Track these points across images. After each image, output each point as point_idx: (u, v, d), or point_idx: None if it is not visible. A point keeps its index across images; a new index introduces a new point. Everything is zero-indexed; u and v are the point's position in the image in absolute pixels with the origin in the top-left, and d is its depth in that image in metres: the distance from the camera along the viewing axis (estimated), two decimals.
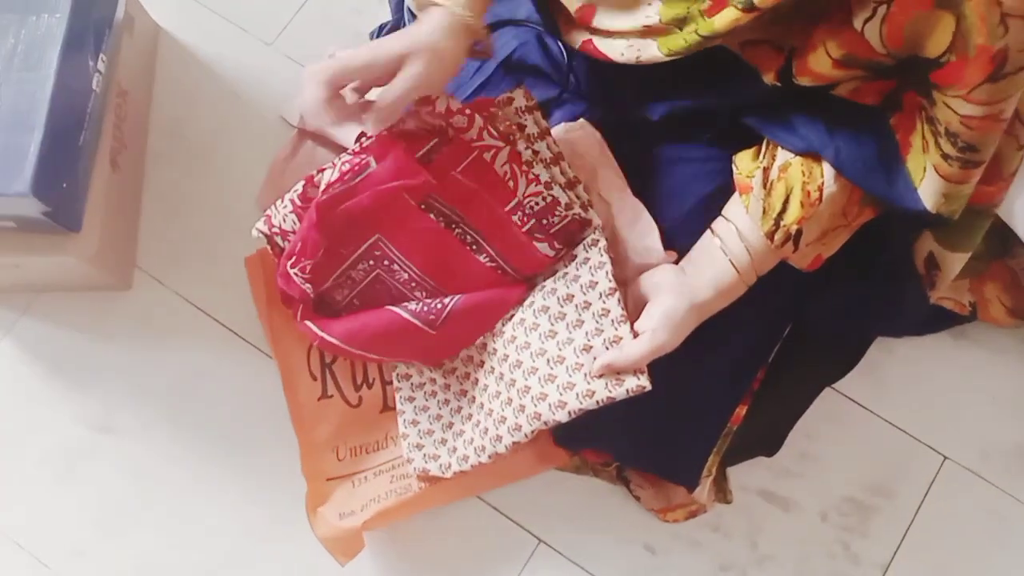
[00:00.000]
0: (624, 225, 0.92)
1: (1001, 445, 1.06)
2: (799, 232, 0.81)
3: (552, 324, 0.89)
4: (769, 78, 0.81)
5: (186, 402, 1.08)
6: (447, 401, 0.98)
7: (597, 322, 0.87)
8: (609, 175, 0.93)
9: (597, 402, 0.84)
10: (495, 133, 0.90)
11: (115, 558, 1.03)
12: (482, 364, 0.96)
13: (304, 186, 0.92)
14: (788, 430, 1.04)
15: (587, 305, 0.88)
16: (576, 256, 0.90)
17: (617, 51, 0.85)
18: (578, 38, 0.89)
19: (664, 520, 1.02)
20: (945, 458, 1.05)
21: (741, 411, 0.98)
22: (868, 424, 1.06)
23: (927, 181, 0.78)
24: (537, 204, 0.91)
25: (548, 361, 0.88)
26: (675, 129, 0.92)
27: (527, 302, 0.92)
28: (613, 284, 0.87)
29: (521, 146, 0.91)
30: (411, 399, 1.00)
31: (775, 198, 0.81)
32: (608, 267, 0.87)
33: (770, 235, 0.82)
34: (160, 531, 1.04)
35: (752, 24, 0.75)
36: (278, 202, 0.94)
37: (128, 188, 1.11)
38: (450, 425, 0.97)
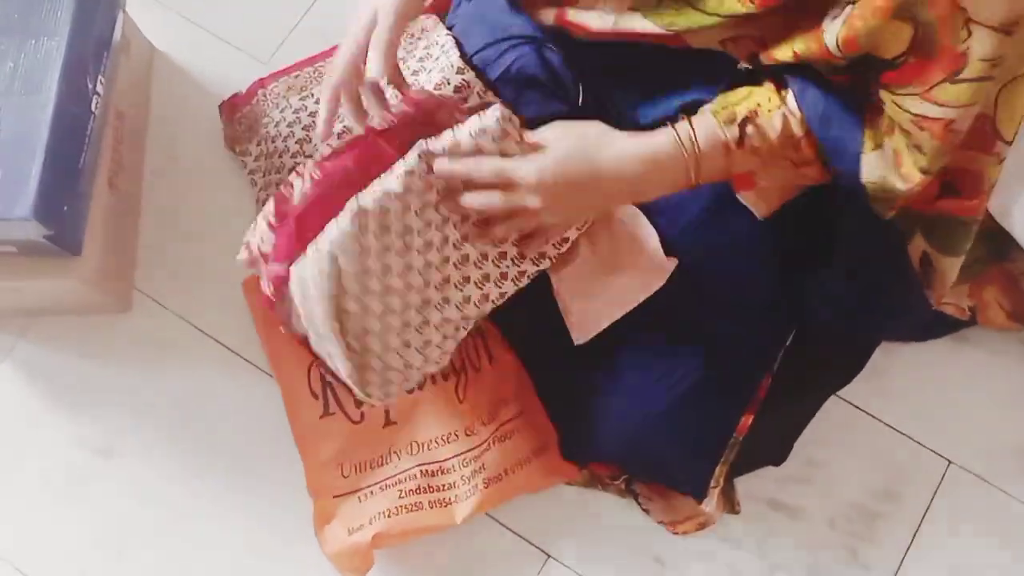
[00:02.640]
0: (624, 233, 0.92)
1: (1005, 448, 1.06)
2: (744, 121, 0.79)
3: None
4: (743, 63, 0.82)
5: (187, 423, 1.07)
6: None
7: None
8: None
9: (530, 277, 0.84)
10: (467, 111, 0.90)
11: None
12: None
13: (275, 203, 0.87)
14: (795, 439, 1.04)
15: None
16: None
17: (593, 19, 0.85)
18: (550, 15, 0.89)
19: (673, 532, 1.02)
20: (950, 462, 1.06)
21: (747, 420, 0.98)
22: (872, 430, 1.07)
23: (875, 156, 0.77)
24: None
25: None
26: None
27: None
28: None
29: (479, 87, 0.92)
30: None
31: (734, 95, 0.80)
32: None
33: (715, 113, 0.79)
34: (163, 553, 1.03)
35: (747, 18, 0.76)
36: (252, 225, 0.90)
37: (126, 209, 1.11)
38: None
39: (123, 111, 1.09)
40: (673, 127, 0.81)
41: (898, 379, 1.08)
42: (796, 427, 1.05)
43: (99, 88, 1.00)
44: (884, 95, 0.74)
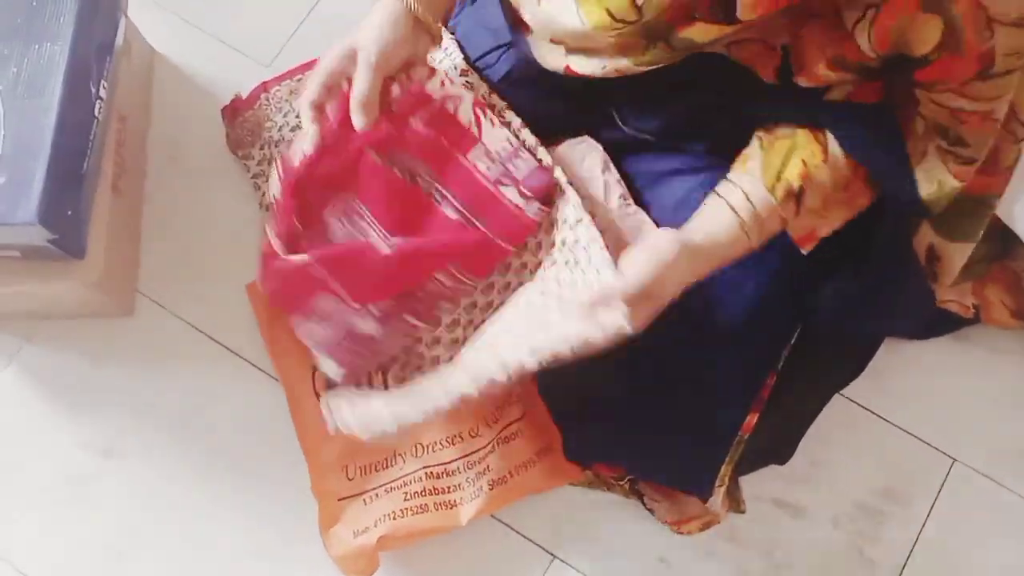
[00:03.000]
0: (629, 234, 0.92)
1: (1008, 445, 1.07)
2: (801, 190, 0.80)
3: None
4: (768, 76, 0.80)
5: (191, 425, 1.07)
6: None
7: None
8: (612, 186, 0.94)
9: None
10: (455, 82, 0.91)
11: None
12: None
13: (283, 164, 0.89)
14: (799, 437, 1.05)
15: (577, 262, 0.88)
16: (565, 242, 0.88)
17: (597, 68, 0.85)
18: (558, 62, 0.89)
19: (679, 532, 1.02)
20: (954, 460, 1.06)
21: (752, 419, 0.98)
22: (877, 429, 1.07)
23: (926, 167, 0.79)
24: (504, 149, 0.90)
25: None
26: (673, 141, 0.92)
27: (521, 291, 0.91)
28: (607, 255, 0.83)
29: (483, 91, 0.92)
30: None
31: (775, 155, 0.81)
32: (599, 240, 0.84)
33: (771, 188, 0.80)
34: (169, 555, 1.03)
35: (736, 32, 0.75)
36: (272, 176, 0.92)
37: (129, 213, 1.11)
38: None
39: (125, 115, 1.09)
40: (735, 211, 0.80)
41: (902, 378, 1.09)
42: (800, 426, 1.05)
43: (102, 92, 1.00)
44: (921, 94, 0.75)
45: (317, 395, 1.05)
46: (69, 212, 0.94)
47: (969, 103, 0.73)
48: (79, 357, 1.10)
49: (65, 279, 0.99)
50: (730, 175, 0.84)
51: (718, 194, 0.83)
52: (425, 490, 1.00)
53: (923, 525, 1.04)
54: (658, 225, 0.92)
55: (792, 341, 0.98)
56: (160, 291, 1.12)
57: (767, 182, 0.80)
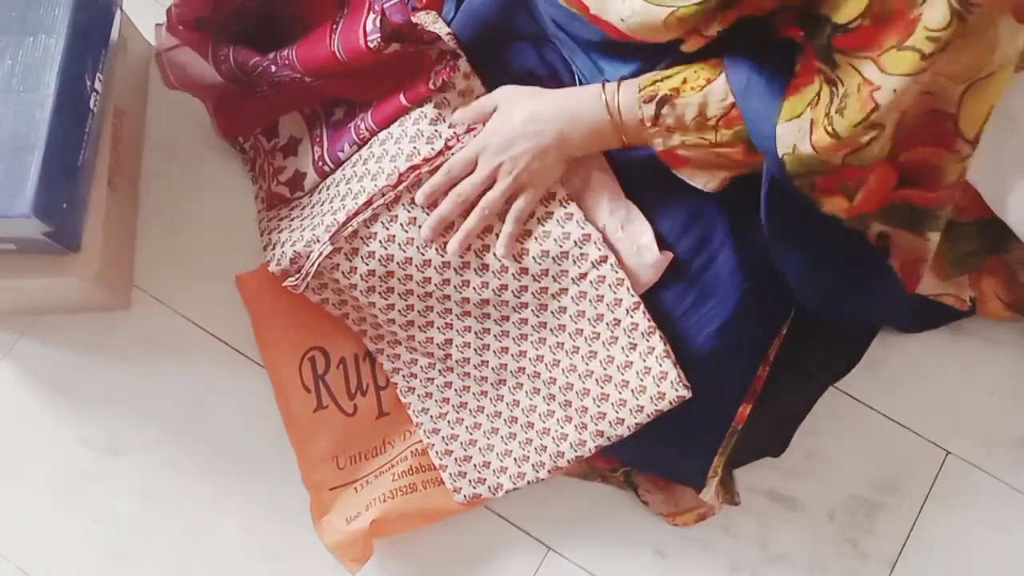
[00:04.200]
0: (618, 225, 0.93)
1: (1003, 438, 1.07)
2: (663, 100, 0.83)
3: (589, 344, 0.92)
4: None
5: (190, 419, 1.08)
6: (460, 420, 1.00)
7: (629, 337, 0.90)
8: (603, 177, 0.94)
9: (648, 415, 0.90)
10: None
11: None
12: (503, 382, 0.98)
13: None
14: (794, 430, 1.05)
15: (616, 323, 0.91)
16: (587, 275, 0.91)
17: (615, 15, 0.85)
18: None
19: (673, 524, 1.02)
20: (948, 453, 1.06)
21: (745, 410, 0.98)
22: (871, 421, 1.07)
23: (792, 125, 0.78)
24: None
25: (596, 381, 0.92)
26: None
27: (555, 322, 0.94)
28: (636, 298, 0.90)
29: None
30: (425, 410, 1.01)
31: (670, 70, 0.84)
32: (627, 282, 0.90)
33: (641, 88, 0.84)
34: (169, 550, 1.03)
35: None
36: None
37: (125, 207, 1.11)
38: (472, 442, 0.99)
39: (122, 108, 1.09)
40: (604, 88, 0.87)
41: (896, 370, 1.09)
42: (795, 418, 1.05)
43: (97, 86, 1.01)
44: (839, 58, 0.74)
45: (306, 388, 1.05)
46: (64, 205, 0.94)
47: (879, 75, 0.71)
48: (75, 351, 1.10)
49: (61, 273, 0.99)
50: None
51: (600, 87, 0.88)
52: (412, 468, 1.00)
53: (917, 517, 1.04)
54: (648, 216, 0.93)
55: (783, 332, 0.98)
56: (157, 285, 1.12)
57: (642, 81, 0.85)
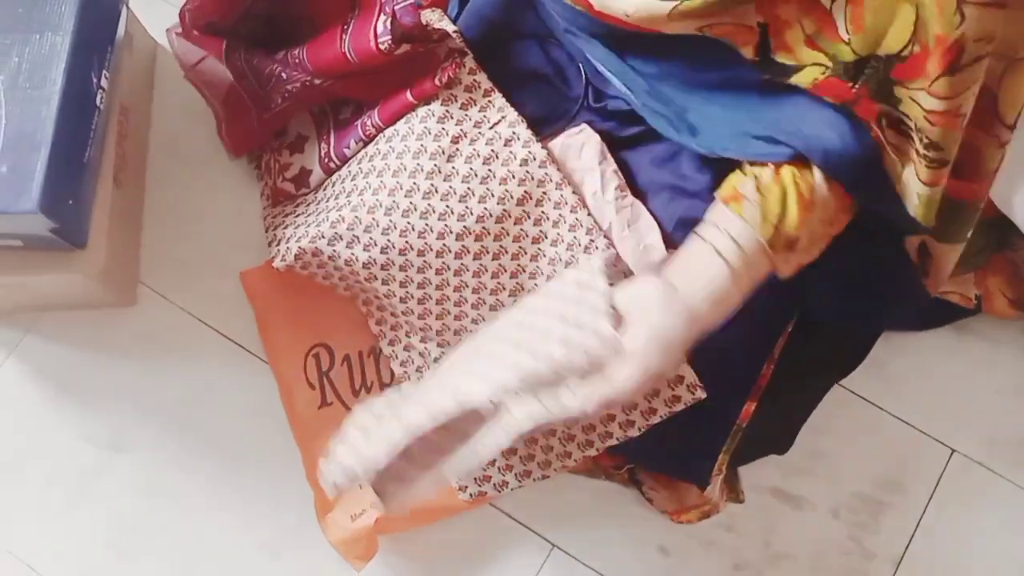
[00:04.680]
0: (625, 224, 0.93)
1: (1008, 436, 1.07)
2: (798, 240, 0.78)
3: None
4: (748, 52, 0.79)
5: (195, 416, 1.08)
6: None
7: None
8: (609, 176, 0.94)
9: (660, 418, 0.90)
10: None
11: None
12: None
13: None
14: (798, 428, 1.05)
15: None
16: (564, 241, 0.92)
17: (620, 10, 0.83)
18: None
19: (677, 521, 1.02)
20: (953, 451, 1.06)
21: (750, 407, 0.98)
22: (876, 419, 1.07)
23: (906, 183, 0.78)
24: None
25: None
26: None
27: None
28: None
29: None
30: None
31: (772, 201, 0.78)
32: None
33: (771, 242, 0.77)
34: (172, 546, 1.04)
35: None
36: None
37: (130, 204, 1.11)
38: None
39: (127, 106, 1.09)
40: (730, 267, 0.77)
41: (901, 368, 1.09)
42: (799, 416, 1.05)
43: (103, 83, 1.01)
44: (900, 91, 0.73)
45: (310, 385, 1.05)
46: (71, 202, 0.95)
47: (937, 102, 0.70)
48: (81, 348, 1.10)
49: (66, 269, 0.99)
50: (718, 216, 0.80)
51: (708, 241, 0.79)
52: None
53: (922, 515, 1.04)
54: (654, 215, 0.92)
55: (788, 331, 0.98)
56: (162, 282, 1.13)
57: (765, 232, 0.77)
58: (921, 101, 0.72)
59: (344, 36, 0.97)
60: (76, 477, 1.06)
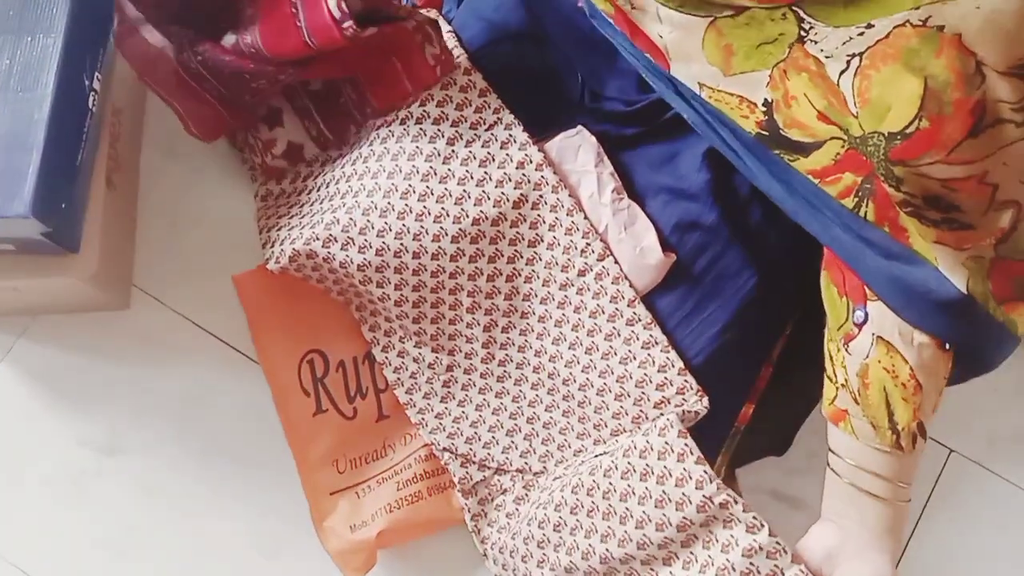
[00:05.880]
0: (621, 227, 0.93)
1: (1006, 435, 1.07)
2: (921, 425, 0.77)
3: (605, 360, 0.92)
4: (750, 126, 0.78)
5: (190, 419, 1.07)
6: (464, 417, 1.00)
7: (648, 351, 0.91)
8: (606, 178, 0.94)
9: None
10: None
11: None
12: (517, 381, 0.99)
13: None
14: (796, 429, 1.04)
15: (631, 337, 0.92)
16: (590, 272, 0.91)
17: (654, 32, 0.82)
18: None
19: None
20: (951, 451, 1.06)
21: (748, 410, 0.98)
22: None
23: (942, 262, 0.73)
24: None
25: (615, 397, 0.92)
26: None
27: (557, 331, 0.94)
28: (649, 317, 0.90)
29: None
30: (425, 410, 1.01)
31: (876, 406, 0.77)
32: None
33: (897, 445, 0.76)
34: (168, 550, 1.03)
35: None
36: None
37: (124, 207, 1.11)
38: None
39: (120, 108, 1.08)
40: (878, 497, 0.77)
41: None
42: (798, 417, 1.05)
43: (96, 85, 1.00)
44: (901, 171, 0.68)
45: (305, 391, 1.05)
46: (63, 205, 0.94)
47: (959, 169, 0.66)
48: (75, 351, 1.10)
49: (59, 273, 0.98)
50: (834, 445, 0.80)
51: (844, 477, 0.79)
52: (416, 476, 1.00)
53: (920, 515, 1.04)
54: (651, 218, 0.92)
55: (787, 333, 0.98)
56: (156, 285, 1.12)
57: (888, 442, 0.77)
58: (935, 173, 0.67)
59: (297, 14, 0.89)
60: (72, 480, 1.05)
